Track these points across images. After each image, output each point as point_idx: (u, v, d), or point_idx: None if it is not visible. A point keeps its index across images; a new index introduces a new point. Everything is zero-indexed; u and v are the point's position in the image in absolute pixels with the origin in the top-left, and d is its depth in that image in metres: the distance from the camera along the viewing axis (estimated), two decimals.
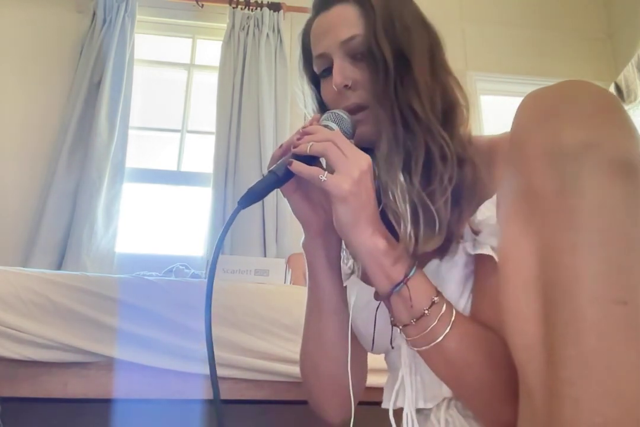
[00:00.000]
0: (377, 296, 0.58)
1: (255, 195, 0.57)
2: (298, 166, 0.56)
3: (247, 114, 2.37)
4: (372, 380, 0.93)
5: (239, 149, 2.33)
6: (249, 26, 2.54)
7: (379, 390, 0.74)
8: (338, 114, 0.64)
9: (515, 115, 0.46)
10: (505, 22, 2.89)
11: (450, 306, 0.54)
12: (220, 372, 1.22)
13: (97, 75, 2.34)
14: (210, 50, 2.65)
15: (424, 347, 0.53)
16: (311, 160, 0.58)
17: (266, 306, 1.28)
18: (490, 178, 0.60)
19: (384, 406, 0.65)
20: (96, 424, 1.28)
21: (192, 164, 2.51)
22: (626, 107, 2.61)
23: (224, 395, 1.23)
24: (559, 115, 0.42)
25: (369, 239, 0.55)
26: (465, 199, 0.59)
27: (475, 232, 0.58)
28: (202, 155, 2.48)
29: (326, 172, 0.54)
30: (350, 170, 0.54)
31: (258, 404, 1.33)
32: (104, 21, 2.44)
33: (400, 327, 0.56)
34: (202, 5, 2.61)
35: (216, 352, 1.22)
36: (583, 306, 0.37)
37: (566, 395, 0.36)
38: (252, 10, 2.59)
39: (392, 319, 0.57)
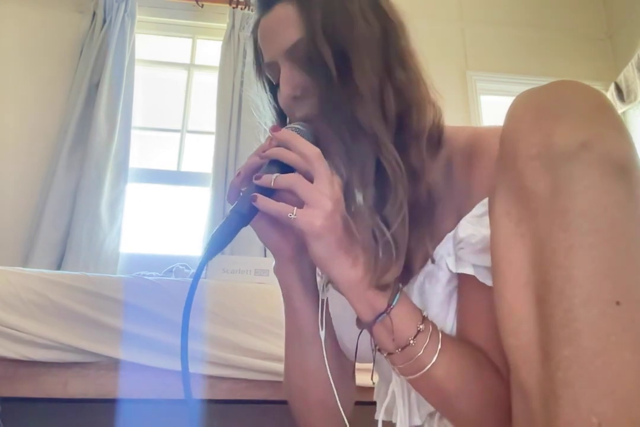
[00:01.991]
0: (359, 324, 0.55)
1: (221, 242, 0.51)
2: (264, 203, 0.50)
3: (247, 114, 2.37)
4: (369, 380, 0.92)
5: (239, 149, 2.33)
6: (249, 26, 2.54)
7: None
8: (296, 128, 0.57)
9: (507, 115, 0.46)
10: (505, 22, 2.89)
11: (436, 332, 0.52)
12: (220, 372, 1.22)
13: (97, 75, 2.34)
14: (210, 50, 2.65)
15: (411, 376, 0.52)
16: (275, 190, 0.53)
17: (266, 306, 1.28)
18: (470, 183, 0.56)
19: (376, 417, 0.64)
20: (96, 424, 1.28)
21: (192, 164, 2.51)
22: (626, 107, 2.61)
23: (224, 395, 1.23)
24: (552, 116, 0.42)
25: (350, 271, 0.51)
26: (423, 217, 0.55)
27: (457, 245, 0.55)
28: (202, 155, 2.48)
29: (295, 209, 0.49)
30: (321, 202, 0.49)
31: (258, 404, 1.33)
32: (104, 21, 2.44)
33: (385, 355, 0.53)
34: (202, 5, 2.61)
35: (216, 352, 1.22)
36: (577, 306, 0.37)
37: (562, 396, 0.36)
38: (252, 10, 2.58)
39: (376, 346, 0.55)
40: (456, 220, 0.56)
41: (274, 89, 0.66)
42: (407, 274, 0.56)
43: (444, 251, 0.56)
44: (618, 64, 2.81)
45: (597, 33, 2.97)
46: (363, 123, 0.53)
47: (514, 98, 0.46)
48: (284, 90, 0.59)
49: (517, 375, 0.41)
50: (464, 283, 0.55)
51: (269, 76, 0.65)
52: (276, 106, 0.67)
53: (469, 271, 0.52)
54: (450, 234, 0.56)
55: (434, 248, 0.57)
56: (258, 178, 0.52)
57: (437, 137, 0.60)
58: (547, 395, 0.37)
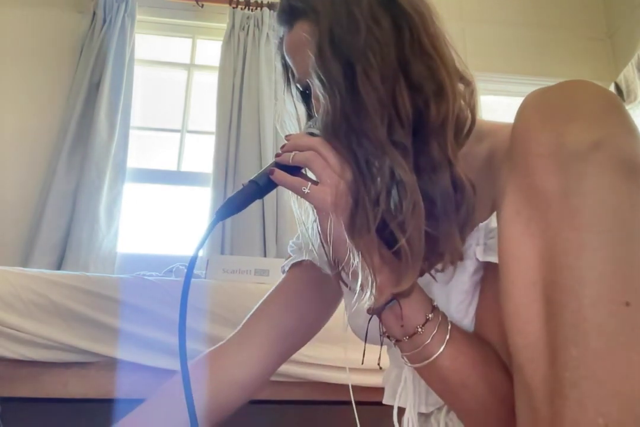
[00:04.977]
0: (369, 309, 0.55)
1: (235, 206, 0.55)
2: (280, 176, 0.53)
3: (247, 114, 2.37)
4: (373, 380, 0.93)
5: (239, 149, 2.33)
6: (249, 26, 2.54)
7: (379, 390, 0.74)
8: (311, 132, 0.57)
9: (517, 114, 0.46)
10: (505, 22, 2.89)
11: (445, 323, 0.52)
12: None
13: (97, 75, 2.34)
14: (210, 50, 2.65)
15: (417, 364, 0.52)
16: (295, 169, 0.55)
17: None
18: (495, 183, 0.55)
19: (385, 401, 0.65)
20: (96, 424, 1.28)
21: (192, 164, 2.51)
22: (626, 108, 2.61)
23: None
24: (563, 115, 0.42)
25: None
26: (455, 209, 0.53)
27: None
28: (202, 155, 2.48)
29: (310, 184, 0.51)
30: (334, 181, 0.51)
31: (258, 404, 1.33)
32: (104, 21, 2.44)
33: (393, 341, 0.54)
34: (202, 5, 2.61)
35: None
36: (586, 306, 0.36)
37: (569, 396, 0.36)
38: (252, 10, 2.59)
39: (385, 332, 0.55)
40: (490, 211, 0.55)
41: (307, 98, 0.67)
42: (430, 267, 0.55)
43: (474, 240, 0.55)
44: (618, 64, 2.81)
45: (597, 33, 2.97)
46: (374, 138, 0.52)
47: (514, 98, 0.47)
48: (316, 107, 0.61)
49: (523, 374, 0.40)
50: (489, 272, 0.54)
51: (301, 87, 0.67)
52: (312, 114, 0.67)
53: (495, 259, 0.51)
54: (482, 224, 0.55)
55: (464, 240, 0.55)
56: (278, 156, 0.55)
57: (465, 120, 0.56)
58: (553, 395, 0.37)
